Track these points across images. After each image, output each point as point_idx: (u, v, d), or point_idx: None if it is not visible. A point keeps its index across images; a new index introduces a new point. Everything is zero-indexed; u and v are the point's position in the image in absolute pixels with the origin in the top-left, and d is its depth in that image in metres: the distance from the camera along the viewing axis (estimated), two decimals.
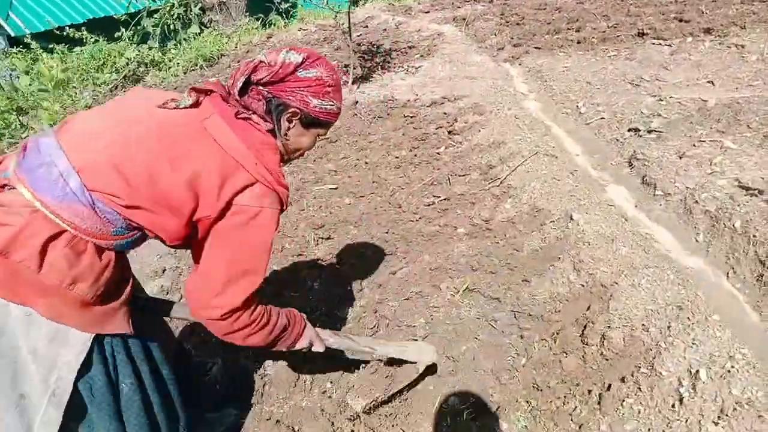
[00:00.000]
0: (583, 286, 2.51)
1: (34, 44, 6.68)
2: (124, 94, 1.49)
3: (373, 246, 3.10)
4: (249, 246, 1.36)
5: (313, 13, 8.22)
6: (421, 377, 2.15)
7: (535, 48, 5.98)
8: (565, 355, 2.24)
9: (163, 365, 1.51)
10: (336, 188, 3.69)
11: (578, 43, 5.79)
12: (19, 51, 6.98)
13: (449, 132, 4.34)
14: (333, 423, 2.05)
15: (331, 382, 2.28)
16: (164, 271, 3.07)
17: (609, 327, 2.24)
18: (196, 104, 1.34)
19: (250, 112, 1.37)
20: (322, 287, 2.84)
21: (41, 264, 1.17)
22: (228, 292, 1.36)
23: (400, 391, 2.11)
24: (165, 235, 1.34)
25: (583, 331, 2.30)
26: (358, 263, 2.97)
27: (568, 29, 6.28)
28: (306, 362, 2.29)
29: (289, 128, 1.43)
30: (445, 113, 4.68)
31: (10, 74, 6.69)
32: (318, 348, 1.75)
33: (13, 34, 8.89)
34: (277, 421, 2.13)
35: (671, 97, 4.16)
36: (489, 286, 2.67)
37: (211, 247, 1.35)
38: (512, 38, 6.45)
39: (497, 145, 3.95)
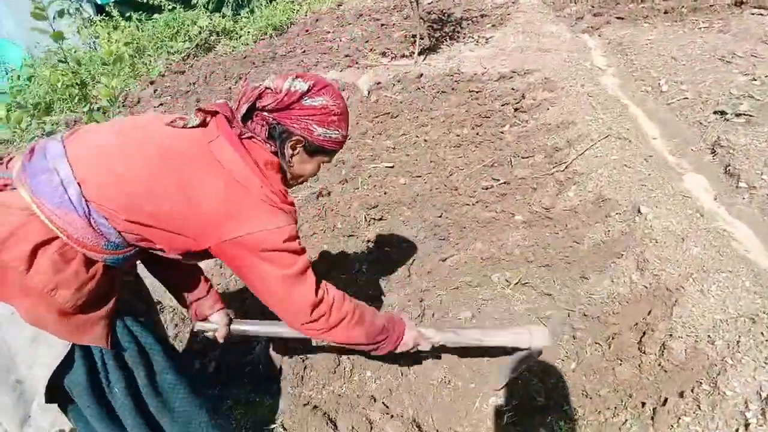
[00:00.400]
0: (645, 288, 2.33)
1: (114, 12, 6.91)
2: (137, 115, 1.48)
3: (426, 229, 3.01)
4: (286, 262, 1.36)
5: None
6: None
7: (618, 18, 5.57)
8: (619, 362, 2.09)
9: (167, 372, 1.50)
10: (392, 167, 3.61)
11: (665, 12, 5.33)
12: (102, 19, 7.24)
13: (515, 109, 4.13)
14: (368, 417, 2.02)
15: (371, 372, 2.25)
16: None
17: (671, 336, 2.07)
18: (203, 124, 1.35)
19: (258, 137, 1.37)
20: (370, 270, 2.79)
21: (30, 266, 1.18)
22: (299, 299, 1.41)
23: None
24: (167, 249, 1.35)
25: (641, 337, 2.13)
26: (408, 247, 2.90)
27: None
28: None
29: (292, 155, 1.42)
30: (513, 89, 4.46)
31: (94, 41, 6.98)
32: (424, 347, 1.75)
33: (99, 2, 9.23)
34: (315, 406, 2.13)
35: (767, 76, 3.75)
36: (543, 280, 2.54)
37: (251, 276, 1.38)
38: (593, 6, 6.03)
39: (566, 126, 3.72)
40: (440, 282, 2.64)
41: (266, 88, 1.35)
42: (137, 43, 6.03)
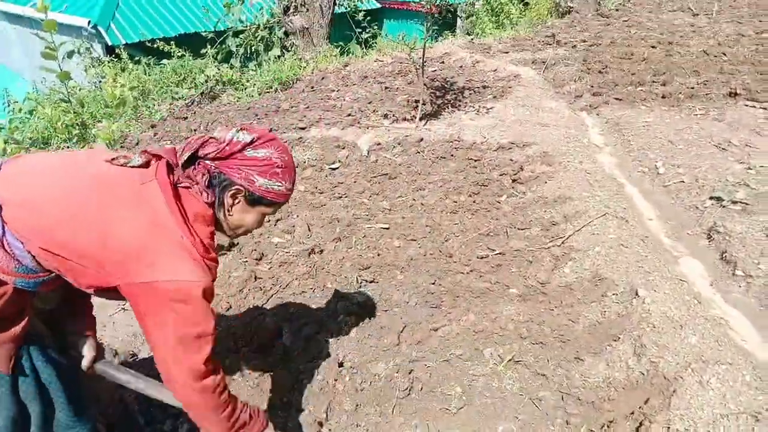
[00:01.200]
0: (642, 374, 2.25)
1: (124, 54, 7.03)
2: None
3: (418, 296, 2.94)
4: (192, 318, 1.30)
5: (391, 45, 8.24)
6: None
7: (616, 99, 5.70)
8: None
9: (63, 410, 1.47)
10: (387, 228, 3.57)
11: (663, 97, 5.47)
12: (111, 60, 7.35)
13: (513, 180, 4.15)
14: None
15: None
16: None
17: (668, 429, 1.98)
18: (146, 165, 1.34)
19: (193, 183, 1.36)
20: (358, 335, 2.70)
21: None
22: (185, 363, 1.33)
23: None
24: (75, 282, 1.32)
25: (638, 428, 2.05)
26: (399, 313, 2.82)
27: (654, 82, 5.96)
28: None
29: (232, 204, 1.42)
30: (511, 159, 4.49)
31: (100, 81, 7.05)
32: None
33: (110, 44, 9.42)
34: None
35: (762, 166, 3.80)
36: (537, 359, 2.46)
37: (152, 324, 1.31)
38: (592, 86, 6.19)
39: (563, 201, 3.72)
40: (430, 353, 2.55)
41: (211, 137, 1.38)
42: (143, 86, 6.09)
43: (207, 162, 1.37)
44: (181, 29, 10.50)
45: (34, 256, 1.25)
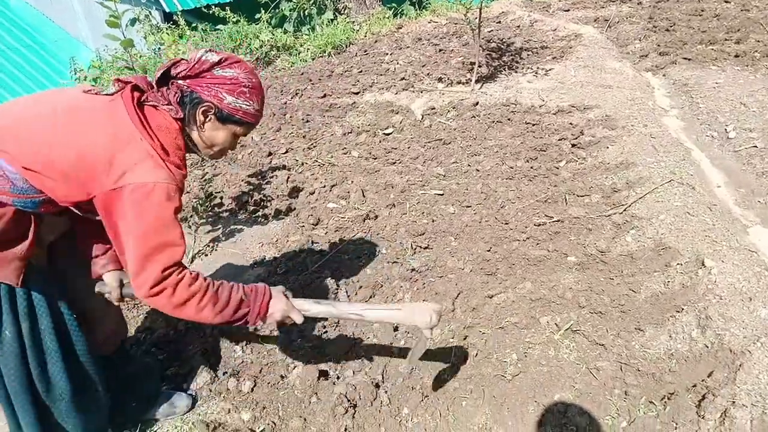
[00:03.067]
0: (707, 347, 2.18)
1: (181, 21, 7.13)
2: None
3: (473, 263, 2.92)
4: (152, 222, 1.40)
5: (446, 5, 8.02)
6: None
7: (685, 58, 5.39)
8: (674, 425, 1.96)
9: (52, 331, 1.59)
10: (442, 194, 3.54)
11: (736, 56, 5.12)
12: (169, 27, 7.48)
13: (573, 145, 4.01)
14: None
15: (408, 410, 2.17)
16: (263, 260, 3.10)
17: (733, 403, 1.92)
18: (120, 90, 1.47)
19: (163, 101, 1.48)
20: (412, 300, 2.72)
21: None
22: (148, 268, 1.42)
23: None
24: (55, 198, 1.42)
25: (700, 401, 1.99)
26: (453, 280, 2.82)
27: (727, 40, 5.58)
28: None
29: (204, 122, 1.53)
30: (571, 123, 4.34)
31: (159, 48, 7.20)
32: (296, 318, 1.70)
33: (167, 10, 9.55)
34: None
35: None
36: (595, 328, 2.41)
37: (120, 229, 1.42)
38: (659, 45, 5.86)
39: (626, 166, 3.58)
40: (485, 320, 2.55)
41: (182, 59, 1.50)
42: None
43: (179, 81, 1.49)
44: None
45: (26, 178, 1.38)
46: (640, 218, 3.04)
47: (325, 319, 1.96)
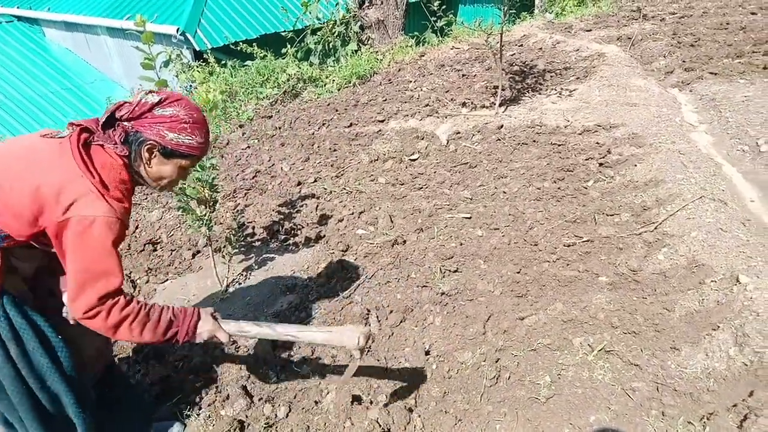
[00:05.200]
0: (745, 365, 2.13)
1: (211, 59, 7.39)
2: None
3: (503, 285, 2.92)
4: (91, 252, 1.53)
5: (468, 32, 8.13)
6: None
7: (711, 73, 5.35)
8: None
9: (40, 354, 1.68)
10: (469, 217, 3.56)
11: (765, 68, 5.07)
12: (199, 64, 7.75)
13: (600, 164, 4.00)
14: None
15: None
16: (295, 286, 3.15)
17: None
18: (73, 131, 1.59)
19: (109, 141, 1.60)
20: (442, 324, 2.73)
21: None
22: (85, 294, 1.55)
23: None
24: (11, 232, 1.55)
25: (742, 422, 1.94)
26: (484, 303, 2.82)
27: (754, 52, 5.53)
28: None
29: (150, 158, 1.64)
30: (597, 143, 4.33)
31: (190, 85, 7.46)
32: (222, 338, 1.83)
33: (197, 48, 9.91)
34: None
35: None
36: (629, 348, 2.38)
37: (66, 257, 1.55)
38: (684, 61, 5.83)
39: (655, 184, 3.56)
40: (517, 342, 2.54)
41: (125, 102, 1.63)
42: (230, 88, 6.38)
43: (124, 123, 1.61)
44: (262, 30, 10.85)
45: None
46: (671, 236, 3.01)
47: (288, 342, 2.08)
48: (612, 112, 4.87)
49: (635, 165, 3.86)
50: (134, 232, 3.64)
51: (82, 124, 1.62)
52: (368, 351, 2.41)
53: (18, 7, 12.57)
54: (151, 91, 1.62)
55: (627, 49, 6.65)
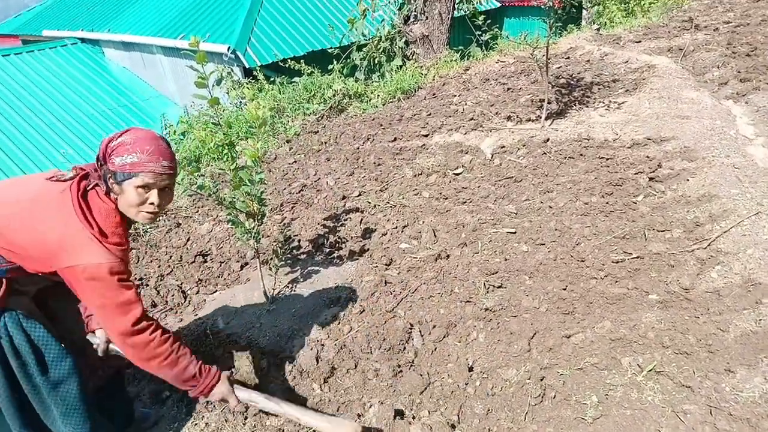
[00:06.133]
0: None
1: (260, 76, 7.60)
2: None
3: (548, 302, 2.88)
4: (101, 293, 1.67)
5: (513, 45, 8.09)
6: None
7: None
8: None
9: (56, 364, 1.88)
10: (514, 232, 3.53)
11: None
12: (249, 81, 7.97)
13: (650, 179, 3.90)
14: None
15: None
16: (339, 299, 3.19)
17: None
18: (75, 176, 1.75)
19: (102, 183, 1.75)
20: (486, 340, 2.71)
21: None
22: (113, 326, 1.72)
23: None
24: (25, 267, 1.73)
25: None
26: (529, 320, 2.78)
27: None
28: None
29: (114, 190, 1.74)
30: (647, 157, 4.23)
31: (240, 102, 7.68)
32: (231, 403, 2.01)
33: (247, 66, 10.21)
34: None
35: None
36: (681, 369, 2.31)
37: (85, 296, 1.71)
38: (739, 72, 5.63)
39: (708, 199, 3.44)
40: (563, 361, 2.49)
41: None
42: (278, 104, 6.54)
43: (102, 165, 1.75)
44: (309, 47, 11.09)
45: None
46: (725, 253, 2.91)
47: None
48: (663, 125, 4.75)
49: (687, 179, 3.75)
50: (185, 244, 3.76)
51: (84, 170, 1.79)
52: None
53: (82, 30, 13.27)
54: (114, 134, 1.77)
55: (678, 61, 6.48)
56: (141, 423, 2.43)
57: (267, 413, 2.28)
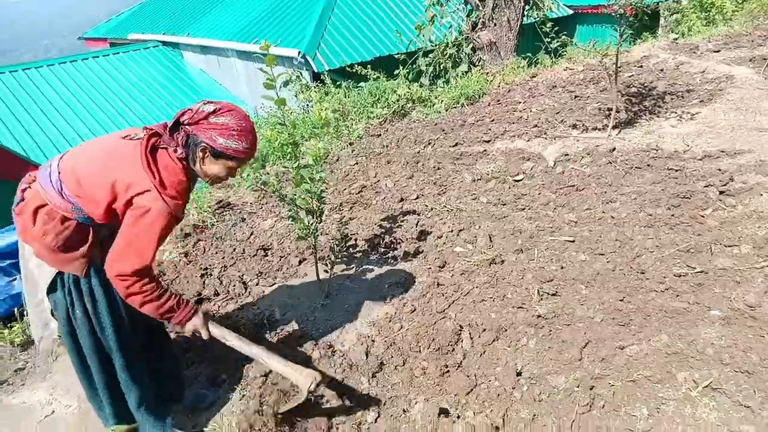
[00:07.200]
0: None
1: (327, 80, 7.79)
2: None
3: (604, 312, 2.82)
4: (140, 232, 1.86)
5: (582, 53, 7.92)
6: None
7: None
8: None
9: (109, 314, 2.10)
10: (573, 241, 3.47)
11: None
12: (317, 85, 8.19)
13: (721, 192, 3.74)
14: None
15: None
16: (392, 298, 3.23)
17: None
18: (146, 135, 1.92)
19: (173, 144, 1.92)
20: (536, 347, 2.69)
21: (33, 221, 1.94)
22: (122, 261, 1.88)
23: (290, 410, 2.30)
24: (94, 216, 1.93)
25: None
26: (582, 329, 2.74)
27: None
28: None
29: (203, 158, 1.94)
30: (719, 169, 4.06)
31: (308, 105, 7.91)
32: (203, 334, 2.13)
33: (316, 70, 10.48)
34: None
35: None
36: (740, 388, 2.21)
37: (120, 229, 1.89)
38: None
39: None
40: (615, 372, 2.44)
41: (189, 109, 1.93)
42: (343, 108, 6.69)
43: (186, 126, 1.91)
44: (376, 53, 11.26)
45: (79, 203, 1.90)
46: None
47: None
48: (738, 137, 4.54)
49: (761, 194, 3.58)
50: (249, 238, 3.93)
51: (153, 129, 1.97)
52: (323, 398, 2.49)
53: (163, 33, 14.03)
54: (209, 101, 1.93)
55: (761, 71, 6.16)
56: (198, 404, 2.57)
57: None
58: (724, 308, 2.67)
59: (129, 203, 1.86)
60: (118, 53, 12.68)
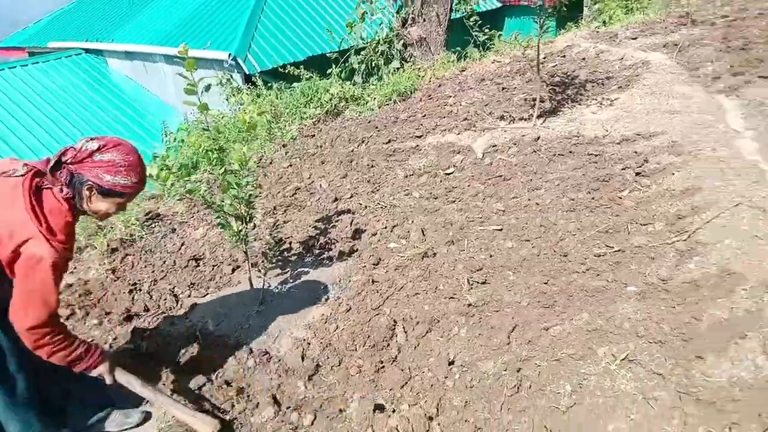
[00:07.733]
0: None
1: (259, 82, 7.71)
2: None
3: (530, 296, 2.94)
4: (35, 283, 1.81)
5: (509, 45, 8.13)
6: None
7: (761, 77, 5.16)
8: None
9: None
10: (501, 230, 3.58)
11: None
12: (248, 87, 8.09)
13: (637, 174, 3.94)
14: None
15: None
16: (327, 299, 3.25)
17: None
18: (27, 173, 1.85)
19: (57, 184, 1.86)
20: (467, 335, 2.77)
21: None
22: (29, 313, 1.84)
23: None
24: None
25: (766, 431, 1.89)
26: (510, 314, 2.84)
27: None
28: None
29: (89, 197, 1.90)
30: (635, 152, 4.27)
31: (239, 108, 7.80)
32: (108, 381, 2.15)
33: (247, 72, 10.33)
34: None
35: None
36: (653, 358, 2.35)
37: (17, 281, 1.83)
38: (732, 66, 5.65)
39: (692, 192, 3.48)
40: (541, 352, 2.55)
41: (70, 147, 1.89)
42: (275, 109, 6.63)
43: (69, 166, 1.86)
44: (309, 52, 11.20)
45: None
46: (704, 244, 2.94)
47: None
48: (653, 120, 4.78)
49: (673, 173, 3.79)
50: (179, 249, 3.85)
51: (35, 167, 1.89)
52: None
53: (86, 40, 13.49)
54: (92, 138, 1.89)
55: (673, 56, 6.50)
56: (127, 416, 2.48)
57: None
58: (640, 284, 2.82)
59: (16, 252, 1.79)
60: (37, 62, 12.09)
